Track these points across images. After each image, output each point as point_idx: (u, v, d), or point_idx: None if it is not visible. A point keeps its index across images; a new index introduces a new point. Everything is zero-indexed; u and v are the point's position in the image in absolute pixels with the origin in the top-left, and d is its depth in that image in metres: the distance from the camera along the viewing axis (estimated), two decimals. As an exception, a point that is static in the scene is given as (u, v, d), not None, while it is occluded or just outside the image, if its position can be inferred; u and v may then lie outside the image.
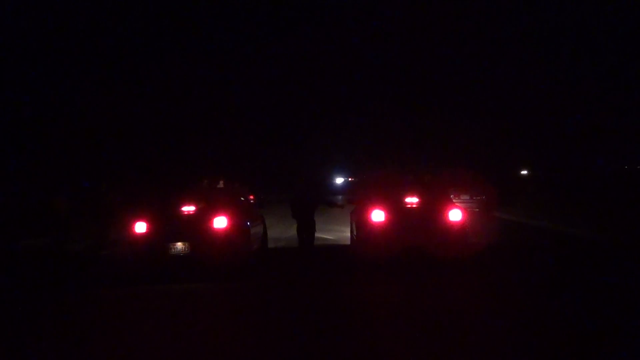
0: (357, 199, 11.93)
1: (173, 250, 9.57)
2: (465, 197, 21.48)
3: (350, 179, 54.04)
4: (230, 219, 9.82)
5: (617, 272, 9.34)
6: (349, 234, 12.70)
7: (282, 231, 16.23)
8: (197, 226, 9.77)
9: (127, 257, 10.09)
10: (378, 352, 5.36)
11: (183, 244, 9.57)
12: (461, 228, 10.04)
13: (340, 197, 26.10)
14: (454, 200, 12.04)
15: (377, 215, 10.05)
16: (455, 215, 10.04)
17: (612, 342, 5.53)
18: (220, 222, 9.73)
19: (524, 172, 45.06)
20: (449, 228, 9.98)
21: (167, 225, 9.85)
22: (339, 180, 54.85)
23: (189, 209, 10.20)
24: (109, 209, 13.82)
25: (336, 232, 15.74)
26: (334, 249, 13.07)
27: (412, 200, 10.63)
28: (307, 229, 12.53)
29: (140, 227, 9.75)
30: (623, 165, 45.46)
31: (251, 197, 15.73)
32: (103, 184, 14.33)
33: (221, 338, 6.02)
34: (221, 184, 14.82)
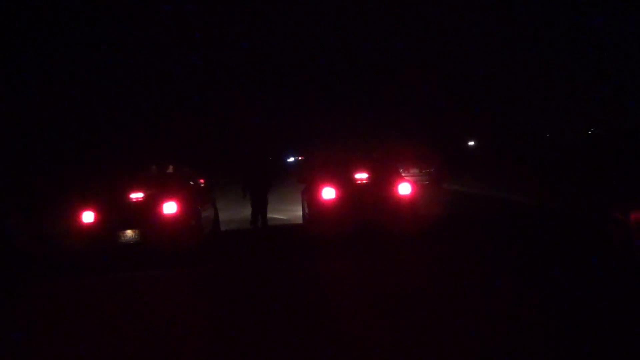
0: (307, 178, 11.98)
1: (122, 238, 9.45)
2: (415, 170, 21.81)
3: (300, 158, 54.14)
4: (179, 204, 9.74)
5: (553, 235, 9.73)
6: (300, 213, 12.77)
7: (233, 214, 16.17)
8: (146, 213, 9.66)
9: (75, 248, 9.91)
10: (335, 328, 5.45)
11: (132, 232, 9.46)
12: (411, 201, 10.24)
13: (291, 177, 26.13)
14: (403, 174, 12.25)
15: (328, 193, 10.14)
16: (404, 188, 10.22)
17: (557, 307, 5.77)
18: (169, 208, 9.64)
19: (471, 143, 45.94)
20: (399, 202, 10.16)
21: (116, 213, 9.70)
22: (290, 160, 54.91)
23: (137, 195, 10.05)
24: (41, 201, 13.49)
25: (288, 211, 15.79)
26: (287, 229, 13.14)
27: (361, 176, 10.76)
28: (260, 207, 12.75)
29: (88, 216, 9.57)
30: (569, 133, 46.86)
31: (201, 180, 15.61)
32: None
33: (176, 325, 5.99)
34: (170, 169, 14.63)
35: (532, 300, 5.96)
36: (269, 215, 13.86)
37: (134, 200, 10.02)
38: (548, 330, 5.03)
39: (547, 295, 6.15)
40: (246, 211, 13.62)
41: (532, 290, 6.38)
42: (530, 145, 38.78)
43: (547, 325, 5.15)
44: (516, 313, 5.57)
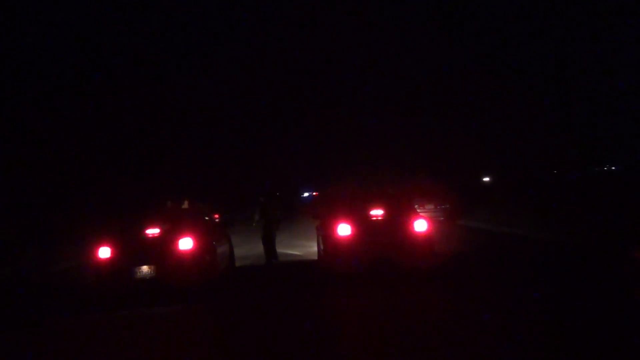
0: (322, 213, 11.97)
1: (139, 274, 9.45)
2: (430, 206, 21.74)
3: (315, 194, 54.19)
4: (195, 240, 9.76)
5: (579, 272, 9.56)
6: (315, 249, 12.73)
7: (248, 249, 16.15)
8: (162, 248, 9.67)
9: (91, 283, 9.92)
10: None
11: (149, 267, 9.46)
12: (427, 238, 10.17)
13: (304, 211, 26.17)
14: (418, 210, 12.21)
15: (343, 229, 10.11)
16: (420, 225, 10.17)
17: (583, 344, 5.66)
18: (185, 244, 9.66)
19: (486, 179, 45.78)
20: (415, 239, 10.10)
21: (132, 248, 9.73)
22: (305, 195, 54.97)
23: (153, 231, 10.09)
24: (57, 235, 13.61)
25: (303, 247, 15.75)
26: (302, 265, 13.08)
27: (377, 212, 10.72)
28: (267, 244, 12.94)
29: (104, 251, 9.60)
30: (586, 170, 46.58)
31: (216, 216, 15.67)
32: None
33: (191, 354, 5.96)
34: (185, 205, 14.72)
35: (547, 340, 5.85)
36: (284, 250, 13.89)
37: (150, 235, 10.05)
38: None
39: (561, 335, 6.04)
40: (261, 248, 13.60)
41: (547, 330, 6.27)
42: (546, 180, 38.57)
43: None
44: (531, 352, 5.47)
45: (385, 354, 5.72)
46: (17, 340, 7.63)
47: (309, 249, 14.94)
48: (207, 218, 12.10)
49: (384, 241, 10.04)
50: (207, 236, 10.53)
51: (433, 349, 5.77)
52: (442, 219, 21.50)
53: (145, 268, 9.46)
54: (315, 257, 12.62)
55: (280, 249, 14.07)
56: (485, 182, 45.03)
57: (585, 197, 21.44)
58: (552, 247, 13.40)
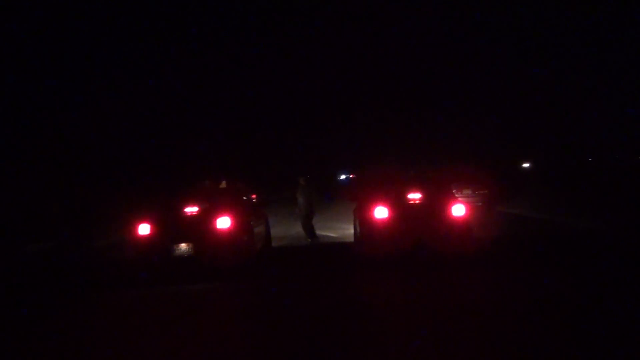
0: (359, 196, 11.93)
1: (177, 251, 9.58)
2: (468, 191, 21.48)
3: (351, 176, 54.06)
4: (233, 219, 9.83)
5: (621, 263, 9.33)
6: (352, 231, 12.71)
7: (285, 229, 16.23)
8: (200, 227, 9.78)
9: (131, 259, 10.10)
10: (383, 352, 5.36)
11: (187, 245, 9.57)
12: (464, 223, 10.03)
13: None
14: (456, 195, 12.06)
15: (380, 212, 10.05)
16: (458, 210, 10.04)
17: (620, 336, 5.53)
18: (223, 222, 9.74)
19: (526, 165, 45.04)
20: (453, 223, 9.98)
21: (171, 226, 9.85)
22: (342, 177, 54.96)
23: (192, 209, 10.20)
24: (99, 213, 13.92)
25: (339, 229, 15.75)
26: (338, 247, 13.09)
27: (414, 196, 10.61)
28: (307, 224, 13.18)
29: (144, 229, 9.76)
30: (625, 158, 45.40)
31: (253, 196, 15.75)
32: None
33: (227, 339, 6.02)
34: (223, 184, 14.82)
35: (586, 325, 5.73)
36: (320, 232, 13.97)
37: (189, 214, 10.16)
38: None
39: (601, 321, 5.90)
40: (298, 228, 13.65)
41: (586, 316, 6.14)
42: (586, 167, 37.75)
43: (607, 350, 4.93)
44: (570, 339, 5.36)
45: (419, 338, 5.67)
46: (57, 314, 7.83)
47: (346, 231, 14.93)
48: (244, 198, 12.18)
49: (421, 225, 9.95)
50: (245, 216, 10.60)
51: (468, 334, 5.70)
52: (480, 204, 21.23)
53: (183, 245, 9.57)
54: (352, 240, 12.60)
55: (317, 231, 14.10)
56: (525, 168, 44.31)
57: (627, 185, 20.93)
58: (591, 235, 13.11)
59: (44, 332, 6.78)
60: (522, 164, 44.81)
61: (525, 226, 16.13)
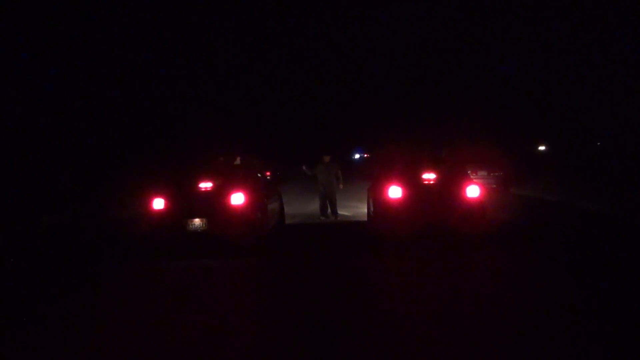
0: (373, 175, 11.89)
1: (191, 226, 9.62)
2: (483, 173, 21.33)
3: (366, 155, 53.98)
4: (247, 195, 9.84)
5: (637, 247, 9.24)
6: (365, 210, 12.70)
7: (299, 207, 16.26)
8: (214, 202, 9.81)
9: (145, 233, 10.17)
10: (393, 335, 5.36)
11: (201, 220, 9.62)
12: (479, 204, 9.96)
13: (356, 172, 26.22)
14: (471, 177, 11.96)
15: (394, 192, 10.00)
16: (472, 191, 9.97)
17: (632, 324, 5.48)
18: (237, 199, 9.76)
19: (542, 148, 44.64)
20: (467, 204, 9.91)
21: (185, 201, 9.90)
22: (356, 156, 54.91)
23: (206, 185, 10.24)
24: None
25: (353, 208, 15.74)
26: (351, 225, 13.09)
27: (429, 176, 10.55)
28: (331, 201, 13.40)
29: (159, 203, 9.81)
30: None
31: (268, 173, 15.80)
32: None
33: (239, 315, 6.05)
34: (238, 161, 14.86)
35: (600, 310, 5.69)
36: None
37: (203, 189, 10.19)
38: (622, 339, 4.78)
39: (617, 306, 5.85)
40: (312, 206, 13.66)
41: (601, 301, 6.09)
42: (602, 151, 37.35)
43: (619, 331, 4.89)
44: (583, 320, 5.32)
45: (432, 318, 5.67)
46: (68, 284, 7.93)
47: (359, 210, 14.92)
48: (259, 174, 12.19)
49: (435, 205, 9.89)
50: (259, 192, 10.61)
51: (478, 317, 5.69)
52: (494, 186, 21.08)
53: (197, 221, 9.62)
54: (365, 219, 12.59)
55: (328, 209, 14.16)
56: (541, 151, 43.91)
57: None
58: (607, 219, 12.98)
59: (57, 303, 6.87)
60: (538, 146, 44.40)
61: (539, 209, 16.01)
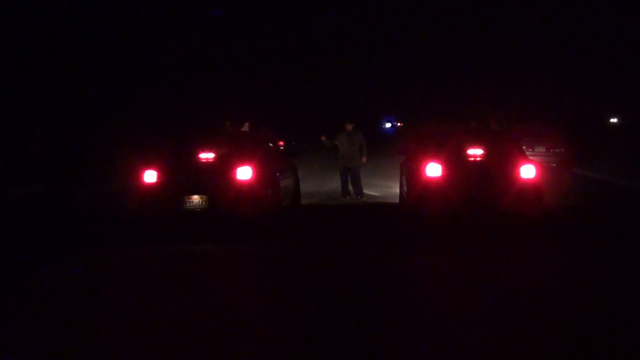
0: (408, 149, 11.80)
1: (188, 204, 9.64)
2: (541, 149, 21.19)
3: (399, 124, 53.74)
4: (255, 169, 9.82)
5: None
6: (397, 191, 12.65)
7: (317, 185, 16.26)
8: (216, 177, 9.81)
9: (134, 211, 10.21)
10: (431, 338, 5.32)
11: (200, 197, 9.63)
12: (534, 187, 9.85)
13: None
14: (526, 153, 11.84)
15: (433, 169, 9.92)
16: (527, 171, 9.84)
17: None
18: (244, 173, 9.74)
19: (614, 120, 44.00)
20: (520, 187, 9.79)
21: (182, 174, 9.91)
22: (387, 125, 54.71)
23: (207, 156, 10.21)
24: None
25: (382, 187, 15.72)
26: (380, 208, 13.06)
27: (475, 152, 10.43)
28: (354, 178, 13.39)
29: (150, 176, 9.81)
30: None
31: (281, 143, 15.78)
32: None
33: (238, 309, 6.03)
34: (246, 127, 14.86)
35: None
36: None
37: (204, 161, 10.17)
38: None
39: None
40: (332, 183, 13.64)
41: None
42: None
43: None
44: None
45: (471, 322, 5.62)
46: (46, 273, 7.91)
47: (390, 189, 14.90)
48: (270, 145, 12.16)
49: (481, 187, 9.80)
50: (270, 166, 10.59)
51: (532, 320, 5.63)
52: (554, 165, 20.93)
53: (196, 198, 9.64)
54: (397, 200, 12.55)
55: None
56: (613, 123, 43.30)
57: None
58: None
59: (39, 293, 6.90)
60: (609, 118, 43.78)
61: (607, 194, 15.82)
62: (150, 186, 9.81)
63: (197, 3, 32.22)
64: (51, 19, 23.15)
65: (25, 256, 8.72)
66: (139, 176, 9.87)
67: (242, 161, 9.84)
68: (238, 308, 6.10)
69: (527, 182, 9.83)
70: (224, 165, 9.92)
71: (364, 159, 14.12)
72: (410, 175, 10.62)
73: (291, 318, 5.77)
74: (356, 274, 7.52)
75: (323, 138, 14.30)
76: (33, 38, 22.04)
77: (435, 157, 10.06)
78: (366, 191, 14.51)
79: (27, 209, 12.68)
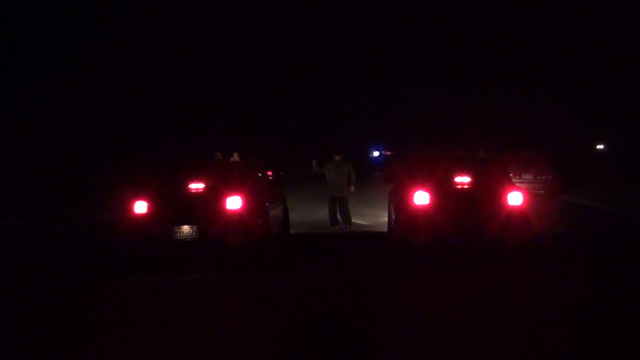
0: (396, 177, 11.89)
1: (178, 234, 9.67)
2: (528, 176, 21.33)
3: (387, 153, 53.98)
4: (245, 199, 9.88)
5: None
6: (386, 219, 12.72)
7: (306, 214, 16.30)
8: (206, 207, 9.85)
9: (124, 242, 10.22)
10: None
11: (190, 228, 9.66)
12: (522, 214, 9.93)
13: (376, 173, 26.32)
14: (513, 181, 11.94)
15: (421, 197, 10.00)
16: (515, 198, 9.93)
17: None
18: (233, 203, 9.80)
19: (600, 146, 44.35)
20: (507, 214, 9.87)
21: (172, 205, 9.94)
22: (375, 154, 54.95)
23: (197, 186, 10.28)
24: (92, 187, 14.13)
25: (371, 216, 15.77)
26: (368, 236, 13.12)
27: (463, 179, 10.53)
28: (343, 207, 13.53)
29: (141, 206, 9.85)
30: None
31: (269, 173, 15.87)
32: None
33: (229, 340, 6.03)
34: (235, 157, 14.96)
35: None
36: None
37: (194, 191, 10.23)
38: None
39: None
40: (321, 212, 13.70)
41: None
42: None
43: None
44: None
45: (464, 348, 5.67)
46: (36, 304, 7.87)
47: (378, 218, 14.95)
48: (259, 175, 12.24)
49: (469, 215, 9.87)
50: (259, 196, 10.65)
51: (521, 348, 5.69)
52: (541, 192, 21.06)
53: (186, 228, 9.67)
54: (385, 229, 12.61)
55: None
56: (599, 150, 43.63)
57: None
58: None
59: (24, 326, 6.89)
60: (596, 145, 44.13)
61: (595, 221, 15.94)
62: (141, 217, 9.84)
63: (185, 33, 32.44)
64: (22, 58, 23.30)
65: (16, 288, 8.72)
66: (129, 207, 9.90)
67: (232, 191, 9.90)
68: (228, 337, 6.12)
69: (514, 210, 9.91)
70: (214, 195, 9.98)
71: (352, 188, 14.20)
72: (398, 203, 10.70)
73: (281, 347, 5.81)
74: (345, 302, 7.56)
75: (314, 162, 14.39)
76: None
77: (422, 185, 10.14)
78: (355, 220, 14.58)
79: (13, 242, 12.61)
